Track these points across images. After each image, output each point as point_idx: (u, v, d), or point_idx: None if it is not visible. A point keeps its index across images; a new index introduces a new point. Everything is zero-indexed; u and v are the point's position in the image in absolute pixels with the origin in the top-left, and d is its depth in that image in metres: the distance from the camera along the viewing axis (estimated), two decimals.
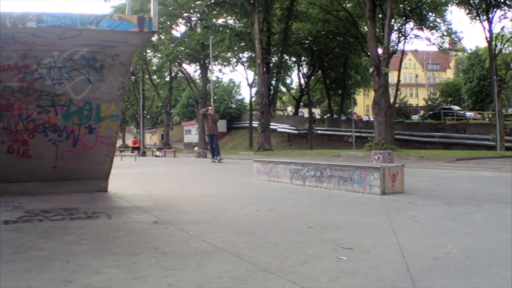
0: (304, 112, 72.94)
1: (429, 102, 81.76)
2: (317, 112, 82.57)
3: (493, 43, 45.09)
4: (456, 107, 66.84)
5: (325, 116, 73.20)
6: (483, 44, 60.15)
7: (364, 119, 67.52)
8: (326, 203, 7.26)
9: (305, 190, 9.02)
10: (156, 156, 44.06)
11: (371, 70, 32.92)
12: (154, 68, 69.40)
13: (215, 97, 65.30)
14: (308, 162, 10.16)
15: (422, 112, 72.04)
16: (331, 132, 60.42)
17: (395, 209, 6.38)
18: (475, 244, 4.24)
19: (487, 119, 55.61)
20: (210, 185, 11.39)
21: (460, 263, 3.58)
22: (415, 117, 71.78)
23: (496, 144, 41.57)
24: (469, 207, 6.39)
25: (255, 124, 52.06)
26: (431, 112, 65.85)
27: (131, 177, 14.47)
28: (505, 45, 48.92)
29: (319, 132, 60.99)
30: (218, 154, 23.22)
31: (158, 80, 72.67)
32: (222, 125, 77.73)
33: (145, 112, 74.78)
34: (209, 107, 24.64)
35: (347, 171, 8.56)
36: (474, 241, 4.34)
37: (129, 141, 68.75)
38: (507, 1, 44.01)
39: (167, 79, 71.15)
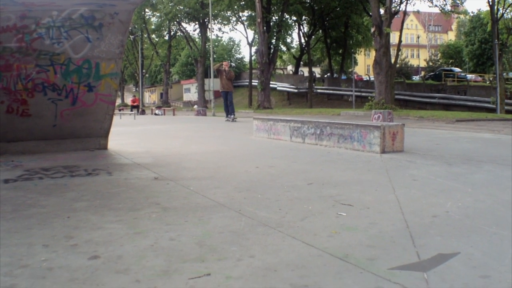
0: (304, 71, 72.63)
1: (430, 63, 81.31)
2: (317, 71, 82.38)
3: (495, 7, 44.76)
4: (457, 69, 66.65)
5: (325, 76, 73.12)
6: (485, 8, 59.85)
7: (365, 79, 67.36)
8: (326, 161, 7.28)
9: (305, 148, 9.04)
10: (156, 114, 44.06)
11: (372, 30, 32.68)
12: (153, 27, 68.73)
13: (215, 56, 64.99)
14: (308, 120, 10.16)
15: (423, 73, 71.94)
16: (331, 91, 60.24)
17: (395, 168, 6.40)
18: (474, 203, 4.25)
19: (487, 82, 55.48)
20: (210, 142, 11.42)
21: (459, 222, 3.59)
22: (415, 78, 71.54)
23: (496, 107, 41.50)
24: (469, 167, 6.40)
25: (254, 82, 52.00)
26: (432, 73, 65.67)
27: (130, 135, 14.48)
28: (507, 10, 48.60)
29: (319, 91, 60.82)
30: (233, 112, 22.09)
31: (157, 39, 72.04)
32: None
33: (144, 71, 74.48)
34: (224, 62, 23.41)
35: (347, 129, 8.55)
36: (473, 201, 4.35)
37: (128, 100, 68.48)
38: None
39: (166, 38, 70.54)
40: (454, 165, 6.59)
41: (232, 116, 21.88)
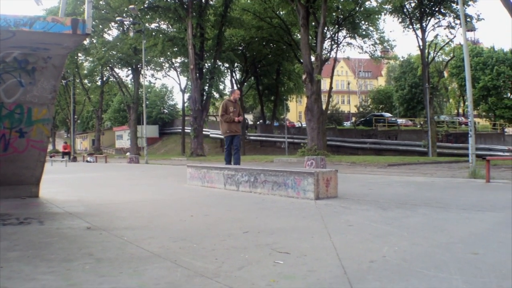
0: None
1: (361, 109, 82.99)
2: (249, 118, 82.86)
3: (426, 51, 46.05)
4: (387, 114, 68.32)
5: (258, 122, 73.58)
6: (416, 52, 61.58)
7: (297, 125, 68.16)
8: (261, 208, 7.27)
9: (240, 196, 9.01)
10: (87, 161, 43.60)
11: (303, 77, 33.16)
12: (86, 72, 68.28)
13: (147, 102, 64.81)
14: (242, 167, 10.17)
15: (354, 119, 73.21)
16: (263, 138, 60.78)
17: (330, 214, 6.43)
18: (411, 247, 4.29)
19: (418, 126, 56.97)
20: (143, 190, 11.31)
21: (397, 266, 3.62)
22: (347, 124, 72.77)
23: (428, 150, 42.48)
24: (403, 211, 6.51)
25: (187, 129, 51.90)
26: (362, 119, 66.99)
27: (62, 182, 14.24)
28: (438, 53, 50.13)
29: (251, 138, 61.28)
30: (238, 162, 15.48)
31: (89, 84, 71.52)
32: (154, 131, 77.35)
33: (75, 116, 73.71)
34: (236, 91, 16.89)
35: (281, 176, 8.58)
36: (410, 245, 4.40)
37: (60, 146, 67.53)
38: (441, 10, 45.02)
39: (99, 83, 70.11)
40: (388, 209, 6.68)
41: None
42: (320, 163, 17.09)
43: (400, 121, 61.89)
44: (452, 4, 44.10)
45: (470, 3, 43.31)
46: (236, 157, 15.64)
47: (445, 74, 68.91)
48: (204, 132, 48.11)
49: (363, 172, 16.85)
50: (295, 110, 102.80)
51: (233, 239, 4.89)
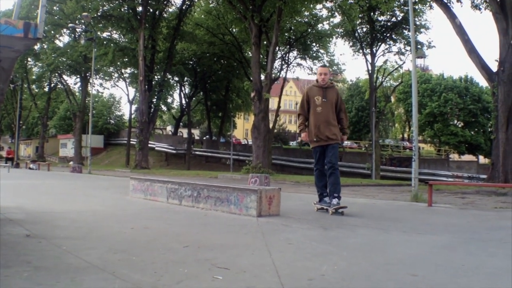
0: (184, 132, 72.90)
1: None
2: (196, 133, 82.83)
3: (375, 75, 46.74)
4: None
5: (204, 138, 73.57)
6: (364, 76, 62.55)
7: (243, 143, 68.35)
8: (203, 223, 7.27)
9: (182, 210, 8.98)
10: (30, 168, 42.96)
11: (252, 94, 33.31)
12: (34, 77, 67.24)
13: (94, 112, 64.15)
14: (186, 181, 10.13)
15: (300, 139, 73.58)
16: (209, 154, 60.83)
17: (271, 231, 6.46)
18: (350, 267, 4.34)
19: (363, 149, 57.63)
20: (85, 201, 11.18)
21: (336, 284, 3.66)
22: (293, 143, 73.17)
23: (371, 173, 43.01)
24: (344, 231, 6.59)
25: (133, 141, 51.54)
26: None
27: (3, 188, 13.96)
28: (386, 78, 50.91)
29: (197, 153, 61.21)
30: (338, 190, 9.09)
31: (36, 90, 70.48)
32: (99, 141, 76.49)
33: (21, 122, 72.42)
34: (321, 67, 9.93)
35: (225, 192, 8.58)
36: (349, 264, 4.45)
37: (3, 152, 66.39)
38: (393, 36, 45.81)
39: (46, 89, 69.14)
40: (329, 229, 6.75)
41: (336, 200, 8.90)
42: (264, 181, 17.13)
43: (346, 143, 62.64)
44: (404, 31, 44.96)
45: (422, 30, 44.21)
46: (333, 180, 9.09)
47: (392, 99, 70.03)
48: (149, 145, 47.85)
49: (307, 192, 16.90)
50: (242, 127, 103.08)
51: (172, 253, 4.88)
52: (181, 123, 72.09)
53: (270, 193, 8.09)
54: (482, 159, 63.69)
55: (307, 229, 6.70)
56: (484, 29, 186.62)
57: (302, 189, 19.34)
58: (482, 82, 56.56)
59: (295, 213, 8.71)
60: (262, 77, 34.12)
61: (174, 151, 62.94)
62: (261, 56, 39.23)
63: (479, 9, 26.48)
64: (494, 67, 21.59)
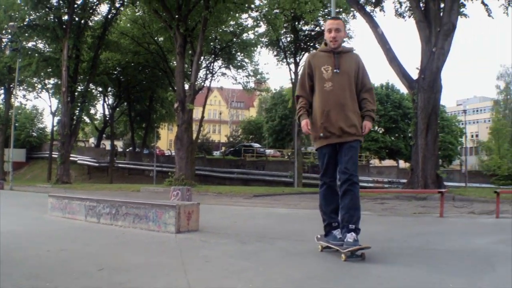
0: (107, 144, 72.08)
1: (231, 139, 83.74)
2: (119, 144, 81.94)
3: None
4: (256, 145, 69.43)
5: (128, 149, 72.78)
6: (288, 85, 63.02)
7: (167, 154, 68.06)
8: (120, 243, 7.16)
9: (100, 229, 8.81)
10: None
11: (175, 105, 33.07)
12: None
13: (17, 124, 62.71)
14: (104, 198, 9.93)
15: (223, 149, 73.78)
16: (132, 166, 60.21)
17: (189, 248, 6.40)
18: (265, 283, 4.33)
19: (286, 157, 58.07)
20: (2, 220, 10.83)
21: None
22: (216, 153, 73.15)
23: (294, 181, 43.35)
24: (262, 245, 6.57)
25: (55, 154, 50.51)
26: (232, 149, 67.64)
27: None
28: None
29: (120, 165, 60.48)
30: (354, 219, 5.69)
31: None
32: (21, 155, 74.56)
33: None
34: (330, 19, 6.53)
35: (143, 209, 8.46)
36: (265, 280, 4.44)
37: None
38: (316, 45, 46.33)
39: None
40: (248, 243, 6.74)
41: (352, 236, 5.51)
42: (186, 194, 16.98)
43: (269, 151, 63.31)
44: None
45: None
46: (349, 203, 5.77)
47: None
48: (71, 158, 46.96)
49: (229, 203, 16.88)
50: (166, 138, 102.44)
51: (87, 277, 4.78)
52: (104, 135, 71.26)
53: (188, 208, 8.03)
54: (402, 164, 64.89)
55: (225, 244, 6.68)
56: (407, 37, 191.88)
57: (224, 200, 19.34)
58: (403, 89, 57.80)
59: (215, 227, 8.65)
60: (186, 87, 34.01)
61: (96, 164, 61.99)
62: (186, 66, 39.15)
63: (403, 17, 27.10)
64: (414, 75, 22.05)
